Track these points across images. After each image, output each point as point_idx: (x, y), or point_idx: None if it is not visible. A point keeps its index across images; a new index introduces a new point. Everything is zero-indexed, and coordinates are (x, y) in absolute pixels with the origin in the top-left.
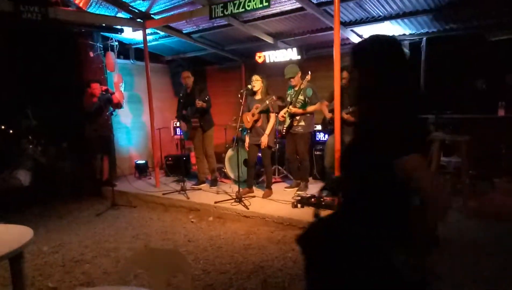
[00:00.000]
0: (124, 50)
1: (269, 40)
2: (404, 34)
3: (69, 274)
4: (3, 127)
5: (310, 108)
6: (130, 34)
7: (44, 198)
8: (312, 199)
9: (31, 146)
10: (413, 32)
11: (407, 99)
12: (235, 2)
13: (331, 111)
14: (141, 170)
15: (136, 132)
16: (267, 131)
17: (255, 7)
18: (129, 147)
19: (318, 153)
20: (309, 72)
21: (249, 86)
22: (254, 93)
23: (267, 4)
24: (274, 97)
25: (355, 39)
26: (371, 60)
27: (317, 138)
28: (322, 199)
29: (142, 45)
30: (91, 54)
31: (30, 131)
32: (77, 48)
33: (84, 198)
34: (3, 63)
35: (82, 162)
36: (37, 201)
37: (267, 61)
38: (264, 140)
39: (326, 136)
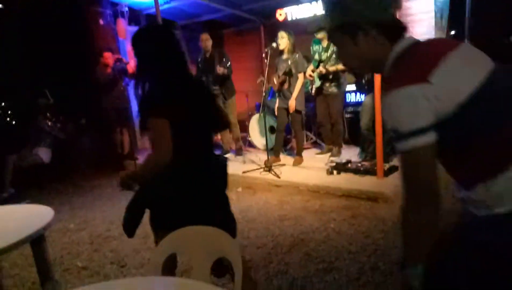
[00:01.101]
0: (135, 16)
1: None
2: None
3: (97, 252)
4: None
5: (340, 68)
6: None
7: (66, 175)
8: (349, 164)
9: (49, 123)
10: None
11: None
12: None
13: None
14: None
15: None
16: (294, 94)
17: None
18: None
19: (349, 116)
20: None
21: (274, 44)
22: (281, 52)
23: None
24: (297, 56)
25: None
26: (139, 44)
27: (347, 100)
28: (360, 164)
29: (154, 9)
30: (101, 22)
31: (48, 109)
32: (86, 16)
33: (106, 173)
34: (13, 40)
35: (102, 137)
36: (59, 178)
37: (289, 18)
38: (292, 104)
39: (362, 96)
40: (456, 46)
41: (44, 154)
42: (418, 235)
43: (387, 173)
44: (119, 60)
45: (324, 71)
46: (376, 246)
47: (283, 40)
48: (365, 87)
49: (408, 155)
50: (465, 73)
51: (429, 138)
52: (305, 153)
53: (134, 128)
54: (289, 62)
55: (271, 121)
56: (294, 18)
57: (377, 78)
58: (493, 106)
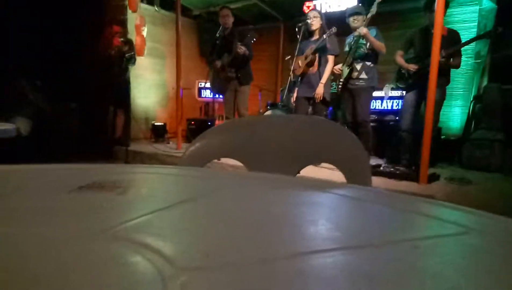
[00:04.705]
0: None
1: None
2: None
3: None
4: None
5: (376, 43)
6: None
7: (45, 153)
8: (381, 168)
9: (34, 92)
10: None
11: None
12: None
13: (410, 60)
14: (159, 134)
15: (155, 91)
16: (324, 78)
17: None
18: (146, 107)
19: (372, 124)
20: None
21: (308, 21)
22: (310, 33)
23: None
24: (333, 30)
25: None
26: None
27: (371, 106)
28: (395, 169)
29: None
30: None
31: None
32: None
33: (91, 158)
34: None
35: (93, 119)
36: (37, 155)
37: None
38: (320, 91)
39: (390, 103)
40: None
41: (23, 124)
42: None
43: (430, 179)
44: (127, 41)
45: (363, 31)
46: None
47: (316, 20)
48: (408, 81)
49: None
50: None
51: None
52: None
53: (130, 111)
54: (324, 37)
55: None
56: (323, 11)
57: (434, 64)
58: None
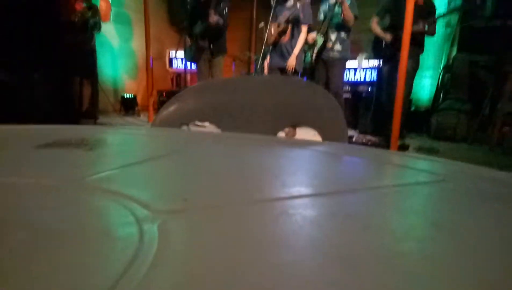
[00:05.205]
0: None
1: None
2: None
3: None
4: None
5: (347, 12)
6: None
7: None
8: (353, 139)
9: None
10: None
11: None
12: None
13: (388, 29)
14: (129, 106)
15: (123, 61)
16: (296, 49)
17: None
18: (114, 77)
19: (346, 96)
20: None
21: None
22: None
23: None
24: (306, 2)
25: None
26: None
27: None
28: (366, 140)
29: None
30: None
31: None
32: None
33: None
34: None
35: (57, 89)
36: None
37: None
38: (291, 62)
39: (363, 74)
40: None
41: None
42: None
43: (400, 150)
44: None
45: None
46: None
47: None
48: (386, 52)
49: None
50: None
51: None
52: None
53: (97, 82)
54: (297, 6)
55: None
56: None
57: (406, 38)
58: None
